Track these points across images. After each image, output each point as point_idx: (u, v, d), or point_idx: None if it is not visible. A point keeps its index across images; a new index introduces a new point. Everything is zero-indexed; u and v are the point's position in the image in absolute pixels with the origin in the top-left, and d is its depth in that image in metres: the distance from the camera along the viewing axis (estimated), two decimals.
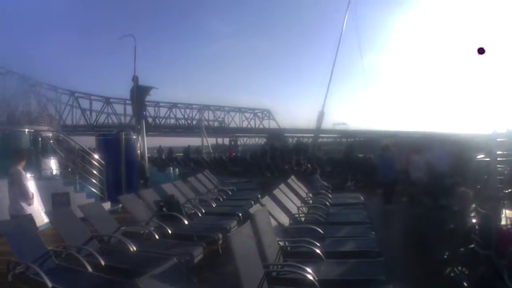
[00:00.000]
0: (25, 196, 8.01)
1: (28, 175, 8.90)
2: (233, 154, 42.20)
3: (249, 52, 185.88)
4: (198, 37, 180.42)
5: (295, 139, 66.93)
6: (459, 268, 5.82)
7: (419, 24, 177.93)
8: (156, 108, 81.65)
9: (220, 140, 76.12)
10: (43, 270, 5.62)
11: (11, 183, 7.94)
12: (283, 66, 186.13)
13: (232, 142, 65.21)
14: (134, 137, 17.13)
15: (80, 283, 5.66)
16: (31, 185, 8.74)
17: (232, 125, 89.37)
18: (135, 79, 21.58)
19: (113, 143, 15.50)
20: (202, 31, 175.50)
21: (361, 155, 26.97)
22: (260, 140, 74.74)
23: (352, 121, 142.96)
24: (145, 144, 21.60)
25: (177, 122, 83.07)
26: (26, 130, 12.98)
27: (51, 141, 14.00)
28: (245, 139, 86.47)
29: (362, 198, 12.32)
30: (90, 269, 5.95)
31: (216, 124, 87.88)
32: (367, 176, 19.18)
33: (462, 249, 6.21)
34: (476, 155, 12.07)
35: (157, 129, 78.73)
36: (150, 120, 77.14)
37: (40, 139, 13.03)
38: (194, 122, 75.92)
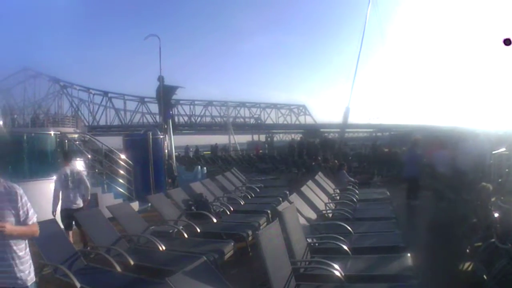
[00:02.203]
0: (88, 194, 8.79)
1: (55, 177, 9.16)
2: (260, 151, 42.17)
3: (281, 48, 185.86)
4: (230, 35, 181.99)
5: (331, 134, 66.53)
6: (480, 262, 5.73)
7: (444, 15, 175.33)
8: (192, 106, 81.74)
9: (256, 137, 76.04)
10: (72, 270, 5.62)
11: (73, 182, 8.39)
12: (316, 60, 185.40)
13: (268, 139, 64.90)
14: (161, 136, 17.15)
15: (109, 283, 5.64)
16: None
17: (268, 121, 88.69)
18: (160, 78, 21.66)
19: (140, 143, 15.56)
20: (233, 29, 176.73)
21: (386, 150, 26.74)
22: (297, 136, 73.86)
23: (386, 115, 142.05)
24: (172, 143, 21.67)
25: (213, 120, 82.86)
26: (52, 132, 13.03)
27: (77, 142, 14.05)
28: (281, 135, 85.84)
29: (388, 193, 12.25)
30: (119, 269, 5.91)
31: (252, 121, 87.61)
32: (393, 171, 19.05)
33: (482, 243, 6.12)
34: (497, 149, 11.91)
35: (192, 127, 79.21)
36: (186, 118, 77.79)
37: (66, 140, 13.08)
38: (230, 120, 75.50)
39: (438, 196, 12.14)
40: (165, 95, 21.88)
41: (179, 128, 64.54)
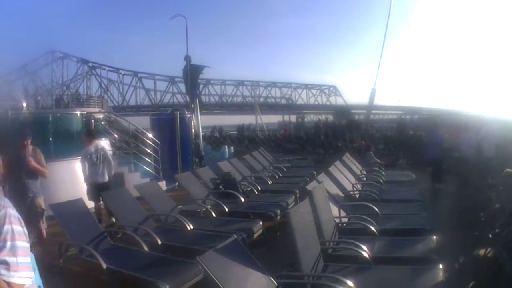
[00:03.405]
0: (112, 168, 9.25)
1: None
2: (287, 131, 42.12)
3: (311, 29, 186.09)
4: (261, 18, 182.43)
5: (361, 115, 65.92)
6: (502, 247, 5.60)
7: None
8: (223, 86, 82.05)
9: (286, 117, 75.69)
10: (98, 251, 5.55)
11: (98, 158, 8.78)
12: (347, 41, 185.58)
13: (299, 119, 64.55)
14: (189, 115, 17.08)
15: (136, 262, 5.52)
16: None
17: (299, 102, 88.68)
18: (187, 58, 21.59)
19: (167, 122, 15.50)
20: (265, 11, 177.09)
21: (412, 132, 26.39)
22: (324, 117, 73.37)
23: (416, 97, 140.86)
24: (199, 122, 21.64)
25: (244, 100, 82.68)
26: (78, 112, 13.07)
27: (103, 122, 14.07)
28: (312, 116, 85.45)
29: (413, 175, 12.18)
30: (146, 249, 5.83)
31: (283, 101, 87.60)
32: (417, 153, 18.84)
33: (505, 229, 5.96)
34: None
35: (223, 107, 79.49)
36: (216, 98, 78.01)
37: (92, 120, 13.11)
38: (261, 100, 75.21)
39: (462, 180, 11.94)
40: (192, 74, 21.82)
41: (209, 108, 64.62)
